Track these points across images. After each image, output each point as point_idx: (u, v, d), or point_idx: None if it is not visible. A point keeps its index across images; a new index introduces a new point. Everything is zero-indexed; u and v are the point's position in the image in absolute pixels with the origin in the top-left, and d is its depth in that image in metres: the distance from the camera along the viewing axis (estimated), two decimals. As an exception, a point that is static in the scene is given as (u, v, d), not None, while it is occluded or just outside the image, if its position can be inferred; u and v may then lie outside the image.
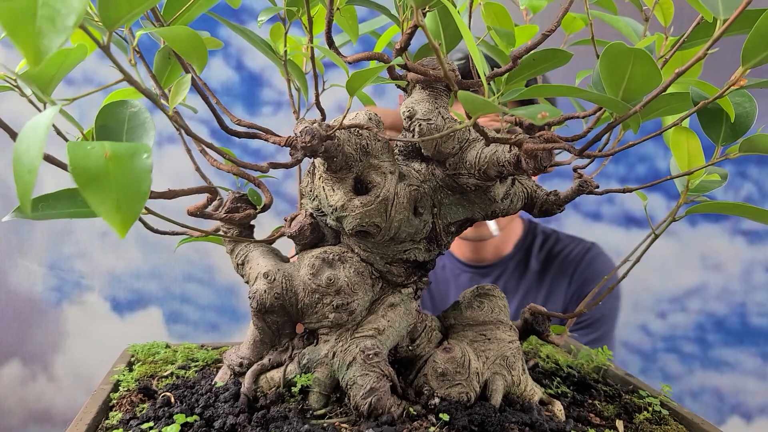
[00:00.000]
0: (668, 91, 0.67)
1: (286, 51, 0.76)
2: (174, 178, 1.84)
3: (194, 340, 0.99)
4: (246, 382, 0.70)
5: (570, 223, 2.06)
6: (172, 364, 0.85)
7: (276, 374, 0.71)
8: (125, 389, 0.76)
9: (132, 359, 0.88)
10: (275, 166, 0.64)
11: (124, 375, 0.80)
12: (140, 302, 2.05)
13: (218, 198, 0.79)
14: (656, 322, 2.16)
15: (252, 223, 0.78)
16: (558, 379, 0.81)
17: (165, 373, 0.82)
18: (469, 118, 0.54)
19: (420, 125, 0.68)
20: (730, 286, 2.15)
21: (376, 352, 0.68)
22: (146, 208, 0.62)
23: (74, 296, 2.03)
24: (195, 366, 0.84)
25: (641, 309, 2.15)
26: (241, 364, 0.73)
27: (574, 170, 0.77)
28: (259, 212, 0.77)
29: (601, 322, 1.49)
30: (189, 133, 0.56)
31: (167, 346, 0.92)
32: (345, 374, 0.68)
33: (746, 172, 2.09)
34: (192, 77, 0.61)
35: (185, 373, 0.81)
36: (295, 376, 0.70)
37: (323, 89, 0.84)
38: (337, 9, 0.72)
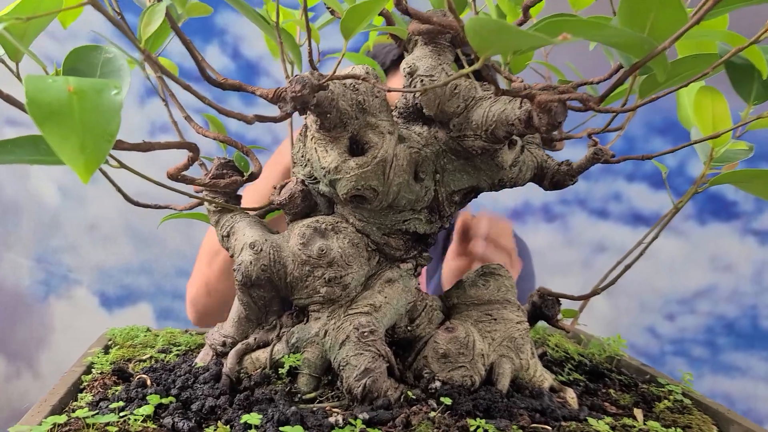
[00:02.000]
0: (693, 53, 0.62)
1: (278, 7, 0.70)
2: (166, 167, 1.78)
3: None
4: (228, 362, 0.64)
5: (575, 221, 1.99)
6: (152, 348, 0.79)
7: (262, 354, 0.65)
8: (98, 372, 0.70)
9: (109, 342, 0.82)
10: (262, 119, 0.58)
11: (98, 357, 0.74)
12: (130, 298, 1.98)
13: (201, 164, 0.73)
14: (664, 324, 2.09)
15: (239, 193, 0.73)
16: (569, 366, 0.75)
17: (143, 357, 0.76)
18: (476, 61, 0.48)
19: (422, 81, 0.62)
20: (741, 287, 2.08)
21: (371, 329, 0.62)
22: (118, 161, 0.57)
23: (61, 291, 1.96)
24: (177, 350, 0.78)
25: (648, 310, 2.08)
26: (224, 344, 0.67)
27: (589, 136, 0.71)
28: (246, 180, 0.71)
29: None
30: (171, 77, 0.50)
31: (148, 330, 0.86)
32: (337, 354, 0.62)
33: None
34: (171, 21, 0.55)
35: (165, 357, 0.75)
36: (283, 357, 0.64)
37: (318, 60, 0.78)
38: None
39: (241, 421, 0.53)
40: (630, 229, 2.01)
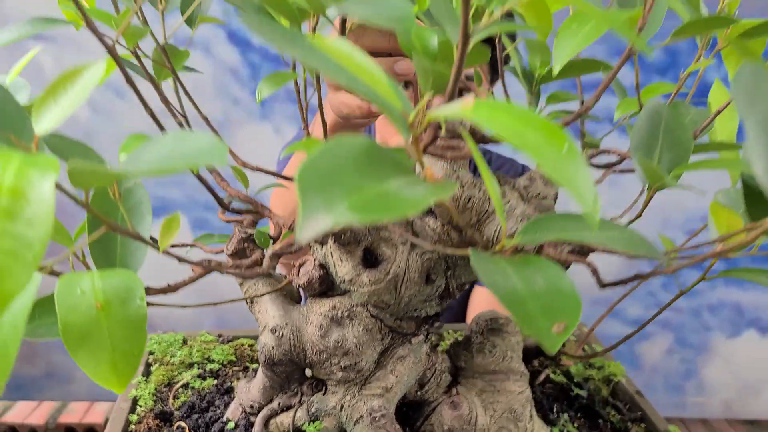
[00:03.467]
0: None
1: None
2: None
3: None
4: (256, 428, 0.72)
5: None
6: (189, 367, 0.88)
7: (286, 419, 0.73)
8: (143, 407, 0.79)
9: (150, 359, 0.90)
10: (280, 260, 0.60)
11: (141, 387, 0.82)
12: (164, 209, 2.06)
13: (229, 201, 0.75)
14: (682, 239, 2.11)
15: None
16: (565, 416, 0.81)
17: (181, 382, 0.84)
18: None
19: (436, 195, 0.62)
20: (767, 206, 2.07)
21: (383, 414, 0.68)
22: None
23: (99, 203, 2.03)
24: (210, 374, 0.86)
25: (670, 227, 2.10)
26: (251, 406, 0.74)
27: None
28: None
29: None
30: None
31: (184, 342, 0.94)
32: (352, 429, 0.69)
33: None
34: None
35: (201, 384, 0.84)
36: (304, 424, 0.71)
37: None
38: None
39: None
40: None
